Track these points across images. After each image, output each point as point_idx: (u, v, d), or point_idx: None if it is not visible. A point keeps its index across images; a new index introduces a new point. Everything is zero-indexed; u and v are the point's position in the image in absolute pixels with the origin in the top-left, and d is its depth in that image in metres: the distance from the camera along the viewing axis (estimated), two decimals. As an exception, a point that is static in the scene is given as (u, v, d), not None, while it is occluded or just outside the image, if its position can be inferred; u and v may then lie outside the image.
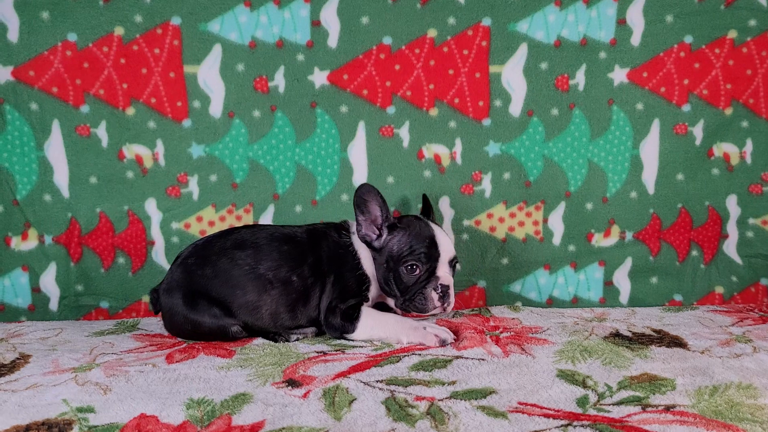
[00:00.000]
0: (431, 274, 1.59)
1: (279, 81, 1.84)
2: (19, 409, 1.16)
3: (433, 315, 1.72)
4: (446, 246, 1.61)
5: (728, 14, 1.83)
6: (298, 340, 1.60)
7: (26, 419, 1.11)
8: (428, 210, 1.80)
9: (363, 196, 1.62)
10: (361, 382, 1.27)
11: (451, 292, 1.60)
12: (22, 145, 1.81)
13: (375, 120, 1.88)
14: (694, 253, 1.95)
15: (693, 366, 1.34)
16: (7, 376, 1.34)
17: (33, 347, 1.56)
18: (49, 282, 1.87)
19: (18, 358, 1.46)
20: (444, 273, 1.60)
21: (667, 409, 1.12)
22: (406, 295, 1.61)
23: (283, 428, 1.07)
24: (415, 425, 1.07)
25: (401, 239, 1.62)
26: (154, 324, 1.78)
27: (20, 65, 1.77)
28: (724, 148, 1.91)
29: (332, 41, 1.83)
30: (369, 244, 1.65)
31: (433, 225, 1.66)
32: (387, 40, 1.84)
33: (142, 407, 1.16)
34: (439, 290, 1.58)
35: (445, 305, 1.59)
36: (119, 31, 1.78)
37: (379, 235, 1.64)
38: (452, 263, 1.63)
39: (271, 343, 1.57)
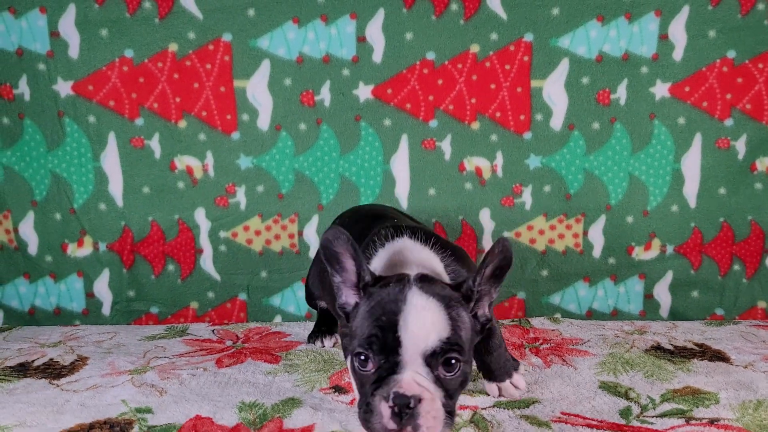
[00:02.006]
0: (390, 373, 0.98)
1: (325, 95, 1.90)
2: (82, 409, 1.22)
3: None
4: (418, 332, 0.98)
5: (772, 29, 1.84)
6: (334, 345, 1.65)
7: (89, 418, 1.18)
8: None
9: (333, 247, 1.07)
10: (406, 390, 1.30)
11: (423, 409, 0.94)
12: (80, 156, 1.89)
13: (417, 133, 1.92)
14: (736, 267, 1.94)
15: (736, 380, 1.35)
16: (68, 377, 1.41)
17: (89, 350, 1.63)
18: (102, 287, 1.94)
19: (76, 360, 1.54)
20: (410, 376, 0.97)
21: (711, 422, 1.14)
22: (359, 399, 1.04)
23: (334, 432, 1.11)
24: (459, 433, 1.10)
25: (363, 312, 1.06)
26: (203, 329, 1.84)
27: (80, 80, 1.85)
28: (767, 163, 1.90)
29: (377, 56, 1.88)
30: (347, 317, 1.12)
31: (417, 293, 1.02)
32: (430, 56, 1.88)
33: (197, 409, 1.22)
34: (390, 401, 0.95)
35: (407, 428, 0.94)
36: (173, 47, 1.85)
37: (356, 304, 1.11)
38: (436, 360, 0.98)
39: (313, 348, 1.62)
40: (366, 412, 0.98)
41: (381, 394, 0.96)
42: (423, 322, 0.98)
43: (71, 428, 1.13)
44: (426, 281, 1.05)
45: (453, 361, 0.99)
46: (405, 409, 0.94)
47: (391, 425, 0.95)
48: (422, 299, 1.00)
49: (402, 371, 0.97)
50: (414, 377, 0.97)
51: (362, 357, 1.01)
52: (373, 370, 1.00)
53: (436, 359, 0.98)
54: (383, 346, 0.98)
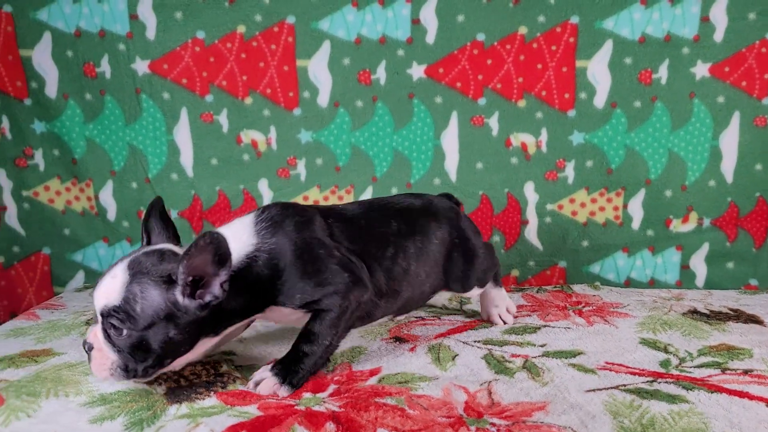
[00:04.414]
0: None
1: (380, 74, 2.02)
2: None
3: None
4: (97, 296, 1.14)
5: (811, 12, 1.91)
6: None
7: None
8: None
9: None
10: (460, 341, 1.44)
11: (92, 354, 1.14)
12: (155, 129, 2.04)
13: (467, 110, 2.03)
14: (771, 240, 2.04)
15: (769, 339, 1.45)
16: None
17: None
18: (174, 251, 2.10)
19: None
20: (96, 328, 1.16)
21: (746, 372, 1.24)
22: None
23: (398, 373, 1.24)
24: (514, 376, 1.23)
25: None
26: (267, 290, 1.99)
27: (156, 59, 2.00)
28: (802, 140, 1.98)
29: (430, 38, 2.00)
30: None
31: (121, 264, 1.14)
32: (480, 37, 1.99)
33: (276, 353, 1.36)
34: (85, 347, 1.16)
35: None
36: (241, 29, 1.99)
37: None
38: (106, 321, 1.12)
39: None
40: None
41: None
42: (102, 289, 1.12)
43: (169, 365, 1.29)
44: (147, 255, 1.15)
45: (117, 325, 1.10)
46: (88, 351, 1.14)
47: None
48: (118, 270, 1.13)
49: (97, 323, 1.15)
50: (97, 330, 1.14)
51: None
52: None
53: (105, 320, 1.11)
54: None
